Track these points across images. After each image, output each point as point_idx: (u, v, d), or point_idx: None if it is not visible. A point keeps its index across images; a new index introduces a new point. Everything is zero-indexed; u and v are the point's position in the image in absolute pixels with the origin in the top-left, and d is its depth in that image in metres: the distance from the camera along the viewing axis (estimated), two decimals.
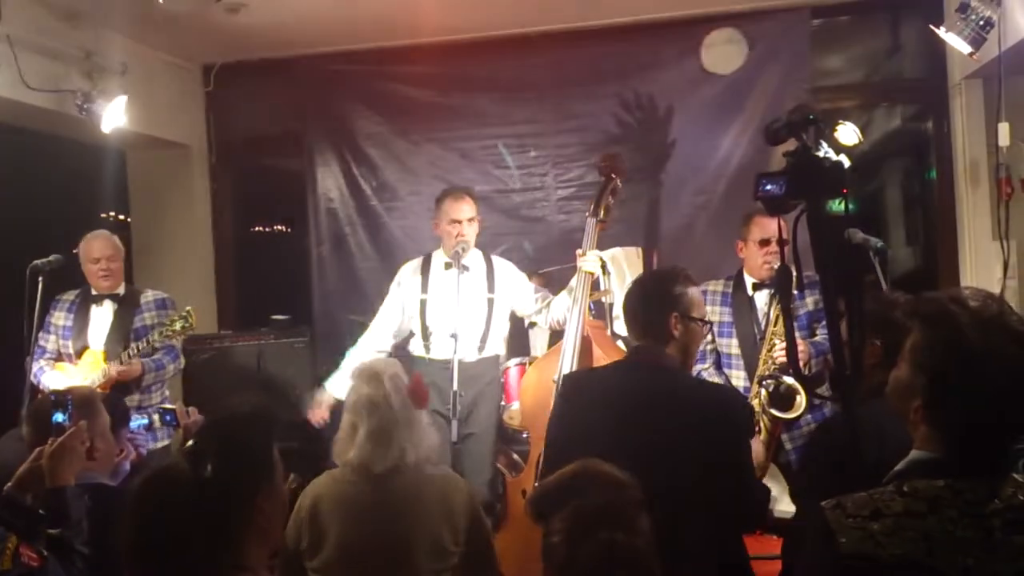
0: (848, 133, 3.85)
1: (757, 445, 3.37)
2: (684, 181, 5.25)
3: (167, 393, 4.43)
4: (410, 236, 5.51)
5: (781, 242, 1.81)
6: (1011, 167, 4.40)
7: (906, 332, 1.48)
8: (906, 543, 1.33)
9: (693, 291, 2.60)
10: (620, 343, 4.15)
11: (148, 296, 4.37)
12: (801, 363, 3.53)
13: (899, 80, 5.54)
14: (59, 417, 2.49)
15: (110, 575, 2.04)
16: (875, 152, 5.86)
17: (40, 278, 4.09)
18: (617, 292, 4.37)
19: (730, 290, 3.98)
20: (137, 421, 3.30)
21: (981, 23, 3.89)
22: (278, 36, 5.23)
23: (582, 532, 1.68)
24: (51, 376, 4.15)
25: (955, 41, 4.02)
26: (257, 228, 6.62)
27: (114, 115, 4.65)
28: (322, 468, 2.77)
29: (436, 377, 4.01)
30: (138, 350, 4.12)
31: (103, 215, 5.99)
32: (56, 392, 2.84)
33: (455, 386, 3.84)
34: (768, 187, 1.71)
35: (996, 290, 3.90)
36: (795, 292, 3.73)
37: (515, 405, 4.29)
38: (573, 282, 3.93)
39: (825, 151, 1.69)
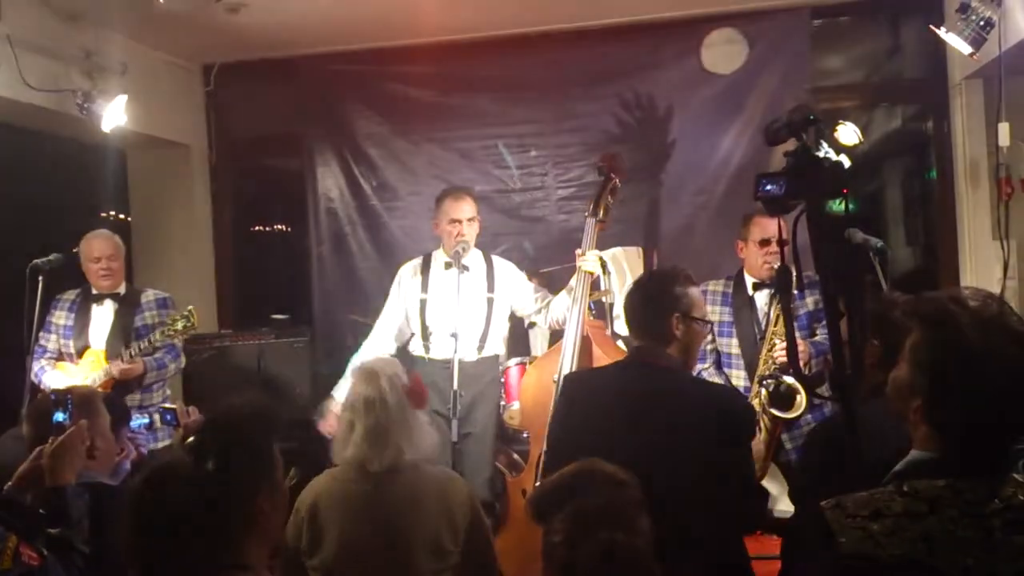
0: (848, 133, 3.84)
1: (757, 445, 3.37)
2: (684, 181, 5.25)
3: (168, 392, 4.44)
4: (410, 236, 5.51)
5: (781, 242, 1.81)
6: (1011, 167, 4.40)
7: (904, 332, 1.48)
8: (906, 543, 1.33)
9: (694, 291, 2.60)
10: (620, 343, 4.16)
11: (149, 295, 4.37)
12: (801, 363, 3.53)
13: (899, 80, 5.54)
14: (59, 416, 2.49)
15: (110, 574, 2.04)
16: (875, 152, 5.86)
17: (40, 278, 4.09)
18: (617, 292, 4.38)
19: (730, 290, 3.99)
20: (138, 420, 3.30)
21: (981, 23, 3.89)
22: (278, 36, 5.22)
23: (582, 532, 1.68)
24: (52, 375, 4.15)
25: (955, 41, 4.02)
26: (257, 228, 6.61)
27: (114, 115, 4.65)
28: (323, 467, 2.77)
29: (436, 377, 4.02)
30: (139, 349, 4.12)
31: (103, 215, 5.98)
32: (56, 391, 2.84)
33: (455, 386, 3.84)
34: (768, 187, 1.72)
35: (996, 290, 3.90)
36: (795, 292, 3.73)
37: (515, 405, 4.29)
38: (573, 282, 3.93)
39: (825, 151, 1.69)
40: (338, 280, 5.70)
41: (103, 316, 4.28)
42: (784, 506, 3.61)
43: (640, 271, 4.77)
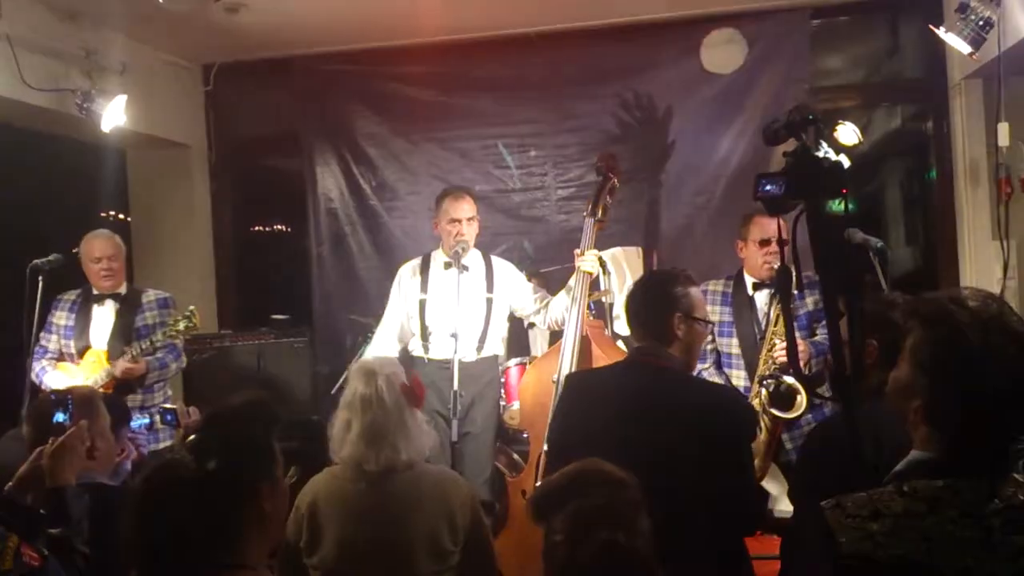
0: (848, 133, 3.86)
1: (757, 445, 3.38)
2: (684, 181, 5.25)
3: (169, 392, 4.44)
4: (410, 236, 5.51)
5: (781, 242, 1.81)
6: (1011, 167, 4.40)
7: (902, 332, 1.48)
8: (906, 543, 1.33)
9: (695, 291, 2.61)
10: (620, 343, 4.16)
11: (150, 296, 4.37)
12: (801, 363, 3.53)
13: (899, 80, 5.55)
14: (60, 417, 2.49)
15: (110, 575, 2.04)
16: (875, 152, 5.86)
17: (40, 278, 4.09)
18: (617, 292, 4.38)
19: (730, 290, 3.99)
20: (138, 421, 3.30)
21: (981, 23, 3.89)
22: (278, 36, 5.23)
23: (582, 532, 1.68)
24: (53, 376, 4.15)
25: (955, 41, 4.02)
26: (257, 228, 6.62)
27: (114, 114, 4.65)
28: (323, 466, 2.77)
29: (435, 377, 4.02)
30: (141, 350, 4.12)
31: (103, 214, 5.99)
32: (57, 392, 2.84)
33: (455, 386, 3.84)
34: (768, 187, 1.71)
35: (996, 290, 3.90)
36: (795, 292, 3.73)
37: (515, 405, 4.30)
38: (572, 282, 3.93)
39: (825, 151, 1.69)
40: (338, 280, 5.70)
41: (104, 316, 4.28)
42: (784, 506, 3.61)
43: (640, 271, 4.78)
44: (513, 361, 4.50)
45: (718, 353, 3.97)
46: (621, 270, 4.74)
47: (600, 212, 3.98)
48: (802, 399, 3.43)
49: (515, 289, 4.29)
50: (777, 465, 3.70)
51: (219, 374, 5.07)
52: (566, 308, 3.92)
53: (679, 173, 5.25)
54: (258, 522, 1.63)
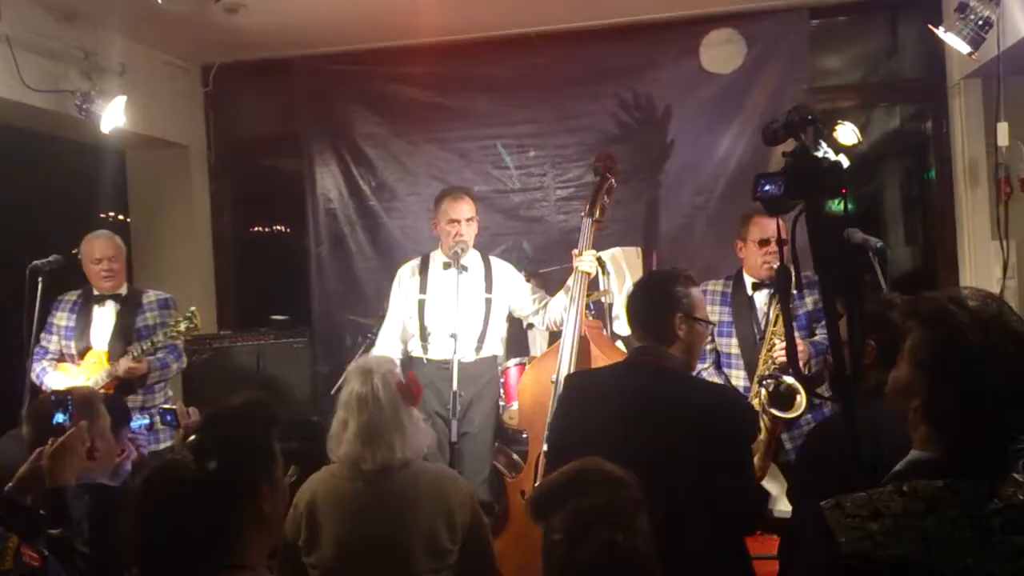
0: (847, 133, 3.86)
1: (757, 445, 3.38)
2: (683, 181, 5.25)
3: (170, 393, 4.44)
4: (409, 236, 5.51)
5: (780, 242, 1.81)
6: (1010, 167, 4.40)
7: (901, 332, 1.49)
8: (905, 543, 1.33)
9: (696, 292, 2.62)
10: (619, 343, 4.16)
11: (150, 296, 4.37)
12: (801, 363, 3.53)
13: (898, 80, 5.55)
14: (60, 417, 2.49)
15: (110, 575, 2.04)
16: (874, 152, 5.86)
17: (40, 278, 4.09)
18: (616, 292, 4.38)
19: (729, 290, 3.99)
20: (138, 421, 3.30)
21: (980, 23, 3.89)
22: (277, 36, 5.23)
23: (582, 531, 1.68)
24: (54, 377, 4.14)
25: (954, 41, 4.02)
26: (256, 228, 6.62)
27: (113, 115, 4.65)
28: (322, 467, 2.77)
29: (434, 377, 4.03)
30: (142, 350, 4.12)
31: (102, 215, 5.98)
32: (57, 392, 2.84)
33: (455, 386, 3.84)
34: (767, 187, 1.71)
35: (995, 290, 3.90)
36: (794, 292, 3.73)
37: (514, 405, 4.30)
38: (570, 282, 3.93)
39: (824, 151, 1.69)
40: (337, 281, 5.70)
41: (105, 317, 4.28)
42: (784, 506, 3.60)
43: (639, 271, 4.78)
44: (512, 361, 4.50)
45: (717, 353, 3.97)
46: (620, 270, 4.75)
47: (598, 212, 3.98)
48: (801, 399, 3.43)
49: (514, 290, 4.29)
50: (777, 465, 3.69)
51: (219, 374, 5.07)
52: (564, 308, 3.92)
53: (678, 173, 5.25)
54: (258, 522, 1.63)
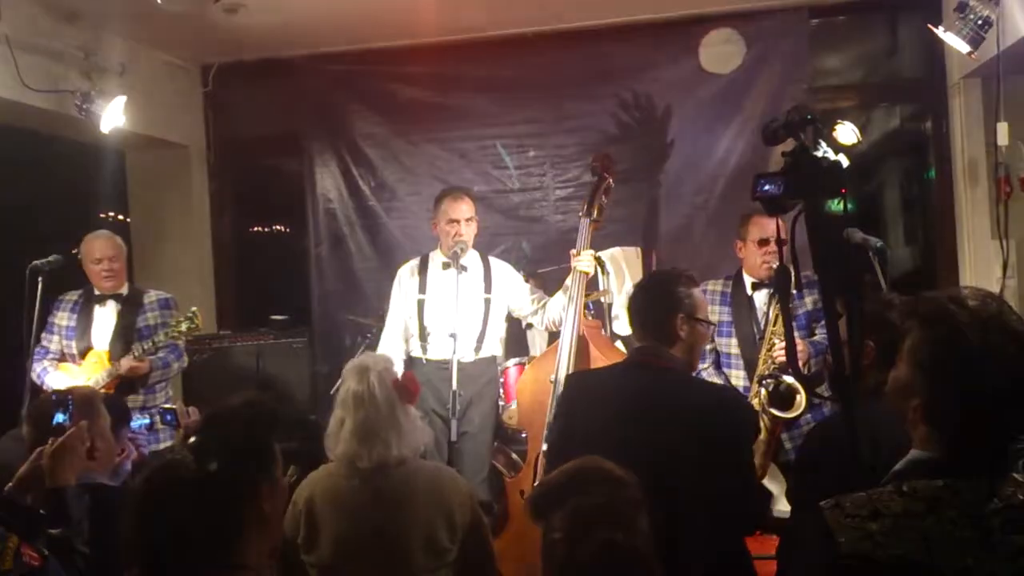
0: (847, 133, 3.86)
1: (757, 445, 3.37)
2: (683, 181, 5.25)
3: (171, 393, 4.44)
4: (409, 236, 5.51)
5: (780, 242, 1.81)
6: (1010, 166, 4.40)
7: (899, 332, 1.49)
8: (905, 543, 1.33)
9: (697, 292, 2.62)
10: (619, 343, 4.16)
11: (151, 296, 4.38)
12: (800, 363, 3.53)
13: (898, 80, 5.54)
14: (60, 417, 2.49)
15: (110, 575, 2.04)
16: (874, 152, 5.86)
17: (40, 278, 4.09)
18: (616, 292, 4.38)
19: (729, 290, 3.99)
20: (138, 421, 3.30)
21: (979, 22, 3.89)
22: (277, 36, 5.22)
23: (581, 531, 1.68)
24: (55, 377, 4.15)
25: (953, 40, 4.02)
26: (256, 228, 6.62)
27: (113, 115, 4.64)
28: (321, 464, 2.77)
29: (433, 377, 4.03)
30: (143, 350, 4.12)
31: (102, 215, 5.99)
32: (57, 392, 2.84)
33: (455, 386, 3.84)
34: (766, 187, 1.71)
35: (995, 290, 3.90)
36: (794, 292, 3.73)
37: (514, 405, 4.30)
38: (568, 282, 3.93)
39: (823, 151, 1.69)
40: (337, 280, 5.70)
41: (106, 317, 4.28)
42: (784, 506, 3.60)
43: (639, 271, 4.78)
44: (511, 361, 4.50)
45: (717, 353, 3.97)
46: (620, 270, 4.75)
47: (595, 212, 3.98)
48: (801, 399, 3.43)
49: (513, 290, 4.29)
50: (777, 465, 3.69)
51: (218, 374, 5.07)
52: (563, 308, 3.93)
53: (678, 173, 5.25)
54: (258, 523, 1.63)
